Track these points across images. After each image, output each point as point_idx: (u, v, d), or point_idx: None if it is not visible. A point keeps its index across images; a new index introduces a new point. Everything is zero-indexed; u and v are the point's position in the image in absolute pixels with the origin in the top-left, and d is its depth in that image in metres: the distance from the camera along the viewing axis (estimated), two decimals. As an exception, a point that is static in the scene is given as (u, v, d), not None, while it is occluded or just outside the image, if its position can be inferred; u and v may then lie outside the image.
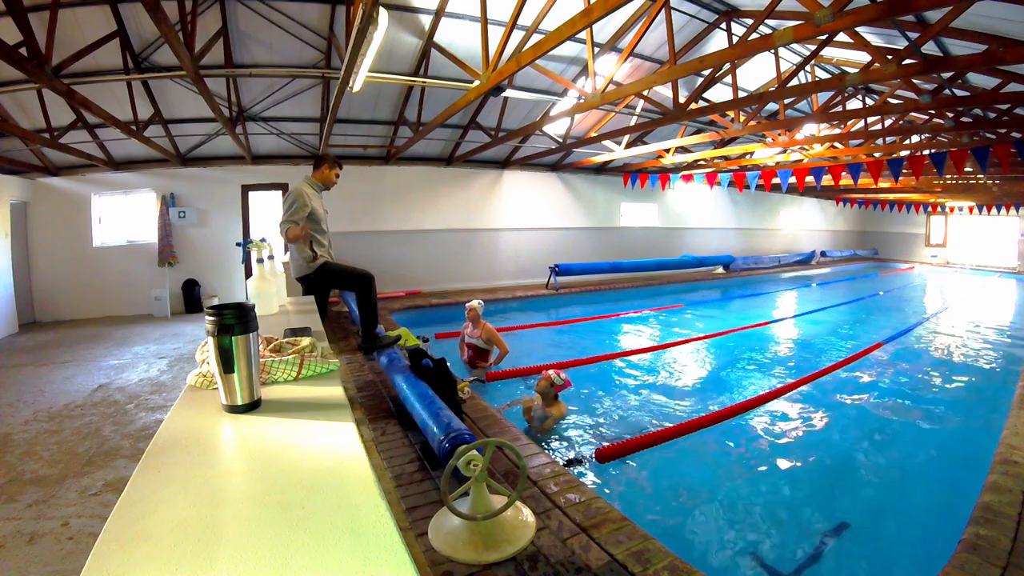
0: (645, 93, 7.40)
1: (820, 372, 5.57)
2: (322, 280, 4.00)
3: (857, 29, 5.01)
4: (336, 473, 0.93)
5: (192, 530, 0.74)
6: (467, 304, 5.42)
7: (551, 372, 4.19)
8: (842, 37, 6.10)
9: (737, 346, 7.01)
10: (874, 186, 12.33)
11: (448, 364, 3.54)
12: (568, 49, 6.83)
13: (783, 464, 3.84)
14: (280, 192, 9.14)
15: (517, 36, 5.48)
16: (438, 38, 6.10)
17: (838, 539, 2.91)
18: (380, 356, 4.08)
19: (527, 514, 2.24)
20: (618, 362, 6.05)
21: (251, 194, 9.14)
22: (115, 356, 5.89)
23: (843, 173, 9.11)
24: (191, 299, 8.71)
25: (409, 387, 3.20)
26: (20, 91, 5.92)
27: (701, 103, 7.50)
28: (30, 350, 6.26)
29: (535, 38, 5.02)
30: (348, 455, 0.99)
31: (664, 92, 8.02)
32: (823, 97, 7.82)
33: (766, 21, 5.89)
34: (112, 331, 7.28)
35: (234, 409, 1.20)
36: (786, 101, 7.77)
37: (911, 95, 6.65)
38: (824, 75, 7.74)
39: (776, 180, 9.09)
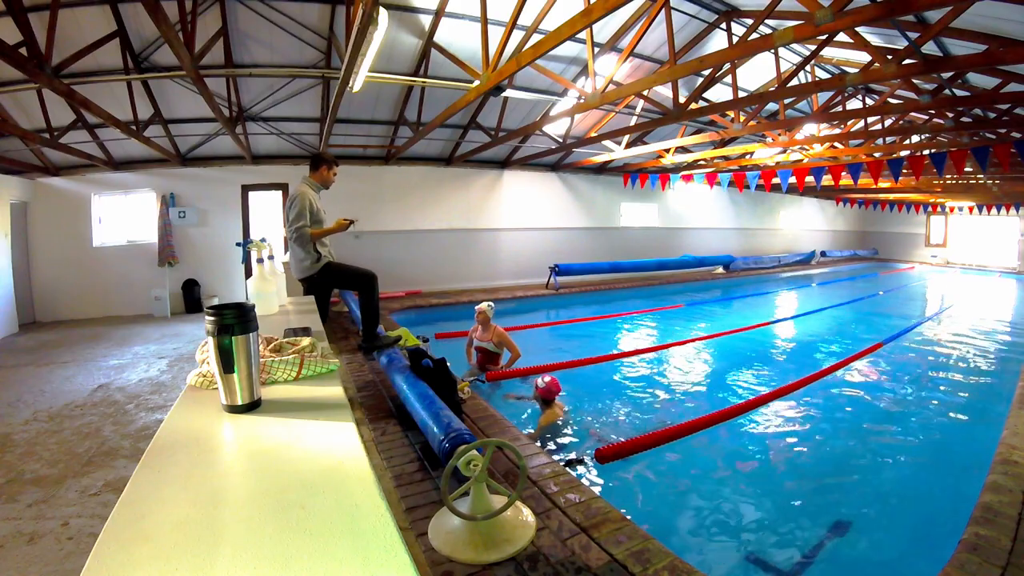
0: (645, 93, 7.40)
1: (820, 372, 5.56)
2: (325, 280, 4.02)
3: (857, 29, 5.01)
4: (336, 473, 0.93)
5: (192, 530, 0.74)
6: (477, 307, 5.32)
7: (537, 378, 4.26)
8: (842, 37, 6.10)
9: (737, 346, 7.00)
10: (874, 186, 12.33)
11: (448, 364, 3.54)
12: (568, 49, 6.83)
13: (783, 464, 3.84)
14: (280, 192, 9.15)
15: (517, 36, 5.48)
16: (438, 38, 6.10)
17: (838, 539, 2.91)
18: (380, 356, 4.08)
19: (527, 514, 2.24)
20: (618, 362, 6.05)
21: (251, 194, 9.14)
22: (115, 356, 5.89)
23: (843, 173, 9.11)
24: (191, 299, 8.71)
25: (409, 387, 3.19)
26: (20, 91, 5.92)
27: (701, 103, 7.49)
28: (30, 350, 6.26)
29: (535, 38, 5.02)
30: (348, 455, 0.99)
31: (664, 92, 8.02)
32: (823, 97, 7.82)
33: (766, 21, 5.89)
34: (112, 331, 7.28)
35: (234, 409, 1.20)
36: (786, 101, 7.77)
37: (911, 95, 6.66)
38: (824, 75, 7.74)
39: (776, 180, 9.08)
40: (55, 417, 4.02)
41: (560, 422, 4.21)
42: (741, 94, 7.27)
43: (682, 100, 6.59)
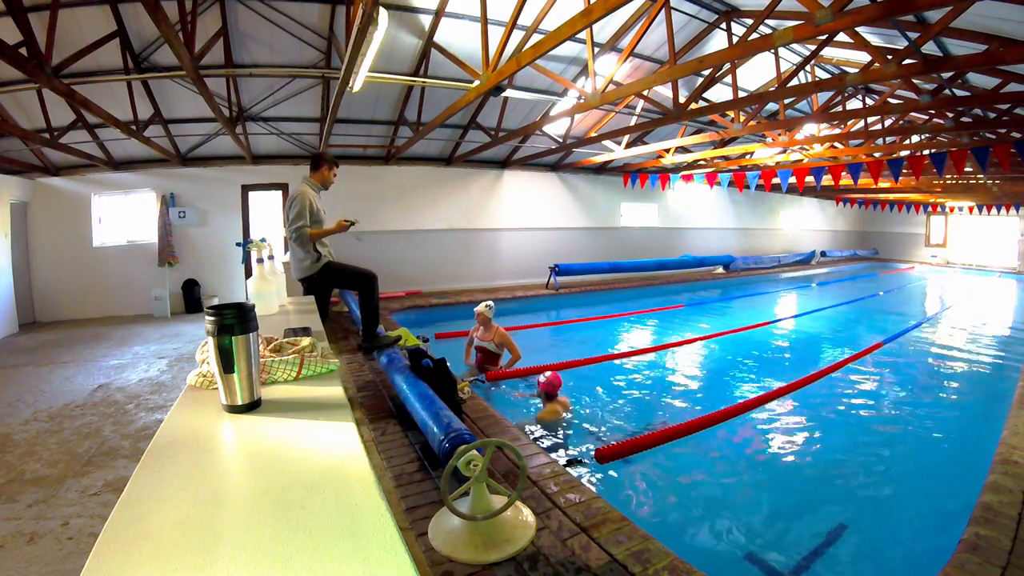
0: (645, 93, 7.40)
1: (820, 372, 5.56)
2: (325, 280, 4.02)
3: (857, 29, 5.01)
4: (336, 473, 0.93)
5: (192, 530, 0.74)
6: (475, 308, 5.28)
7: (540, 375, 4.30)
8: (842, 37, 6.10)
9: (737, 346, 7.00)
10: (874, 186, 12.33)
11: (448, 364, 3.54)
12: (568, 49, 6.83)
13: (782, 464, 3.84)
14: (280, 192, 9.15)
15: (517, 36, 5.48)
16: (438, 38, 6.10)
17: (838, 539, 2.91)
18: (380, 356, 4.08)
19: (527, 514, 2.24)
20: (618, 362, 6.05)
21: (251, 194, 9.14)
22: (115, 356, 5.89)
23: (843, 173, 9.10)
24: (191, 299, 8.71)
25: (409, 387, 3.19)
26: (20, 91, 5.91)
27: (701, 103, 7.50)
28: (30, 350, 6.26)
29: (535, 38, 5.02)
30: (348, 455, 0.99)
31: (664, 92, 8.02)
32: (823, 97, 7.82)
33: (766, 21, 5.89)
34: (112, 331, 7.28)
35: (234, 409, 1.20)
36: (786, 101, 7.77)
37: (911, 95, 6.66)
38: (824, 75, 7.74)
39: (776, 180, 9.08)
40: (55, 417, 4.02)
41: (561, 420, 4.21)
42: (741, 94, 7.27)
43: (682, 100, 6.59)
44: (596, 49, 6.77)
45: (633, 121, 8.80)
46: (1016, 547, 2.13)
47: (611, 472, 3.47)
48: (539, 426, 4.13)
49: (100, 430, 3.77)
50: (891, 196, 16.07)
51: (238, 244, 7.53)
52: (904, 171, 7.91)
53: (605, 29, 6.69)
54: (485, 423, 3.39)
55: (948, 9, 4.05)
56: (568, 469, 2.78)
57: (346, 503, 0.82)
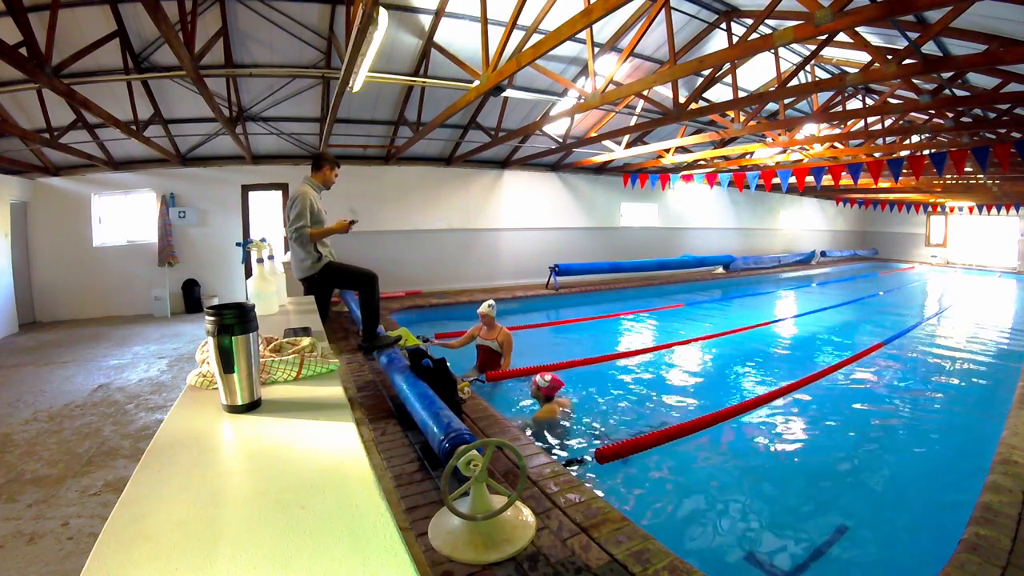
0: (645, 93, 7.40)
1: (820, 373, 5.56)
2: (326, 280, 4.03)
3: (857, 29, 5.01)
4: (336, 473, 0.93)
5: (192, 530, 0.74)
6: (479, 309, 5.29)
7: (536, 376, 4.27)
8: (842, 37, 6.10)
9: (737, 346, 7.00)
10: (874, 186, 12.33)
11: (448, 364, 3.54)
12: (568, 49, 6.83)
13: (783, 465, 3.84)
14: (280, 192, 9.15)
15: (517, 36, 5.49)
16: (438, 38, 6.10)
17: (838, 539, 2.91)
18: (380, 356, 4.08)
19: (527, 514, 2.24)
20: (618, 362, 6.05)
21: (251, 194, 9.14)
22: (115, 356, 5.89)
23: (843, 173, 9.11)
24: (191, 299, 8.71)
25: (409, 387, 3.19)
26: (20, 91, 5.92)
27: (701, 103, 7.49)
28: (30, 350, 6.26)
29: (535, 38, 5.02)
30: (348, 455, 0.99)
31: (664, 92, 8.02)
32: (823, 97, 7.82)
33: (766, 21, 5.89)
34: (112, 331, 7.28)
35: (234, 409, 1.20)
36: (786, 101, 7.76)
37: (911, 95, 6.65)
38: (824, 75, 7.74)
39: (776, 180, 9.09)
40: (55, 417, 4.02)
41: (559, 419, 4.21)
42: (741, 94, 7.27)
43: (682, 100, 6.59)
44: (596, 49, 6.77)
45: (633, 121, 8.80)
46: (1016, 547, 2.13)
47: (611, 472, 3.47)
48: (539, 426, 4.13)
49: (100, 430, 3.77)
50: (891, 196, 16.07)
51: (238, 244, 7.54)
52: (904, 171, 7.91)
53: (605, 29, 6.69)
54: (485, 423, 3.39)
55: (948, 9, 4.05)
56: (568, 469, 2.78)
57: (346, 503, 0.82)
